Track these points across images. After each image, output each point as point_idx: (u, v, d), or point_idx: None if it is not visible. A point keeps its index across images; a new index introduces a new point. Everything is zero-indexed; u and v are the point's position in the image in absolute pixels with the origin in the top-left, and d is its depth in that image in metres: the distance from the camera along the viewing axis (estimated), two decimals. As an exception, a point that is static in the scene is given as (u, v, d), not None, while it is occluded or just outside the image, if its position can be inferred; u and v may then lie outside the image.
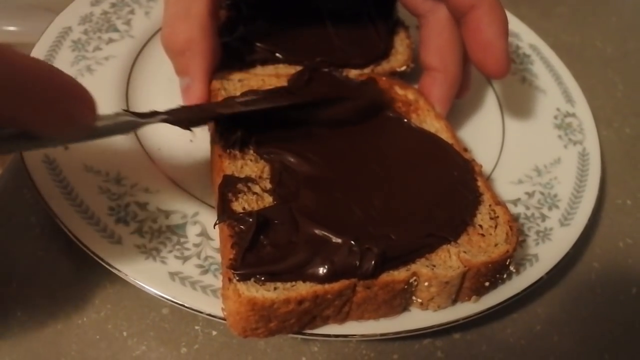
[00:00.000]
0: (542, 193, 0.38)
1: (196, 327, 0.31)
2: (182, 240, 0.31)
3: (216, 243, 0.31)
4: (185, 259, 0.30)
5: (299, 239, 0.27)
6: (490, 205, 0.32)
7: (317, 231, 0.27)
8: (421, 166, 0.33)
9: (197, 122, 0.31)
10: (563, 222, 0.36)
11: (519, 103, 0.44)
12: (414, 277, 0.28)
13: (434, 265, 0.28)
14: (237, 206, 0.28)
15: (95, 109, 0.24)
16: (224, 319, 0.28)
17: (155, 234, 0.31)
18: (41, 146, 0.24)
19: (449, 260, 0.28)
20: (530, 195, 0.37)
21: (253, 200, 0.29)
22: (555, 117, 0.43)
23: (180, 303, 0.28)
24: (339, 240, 0.27)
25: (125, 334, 0.30)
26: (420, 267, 0.28)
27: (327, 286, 0.26)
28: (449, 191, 0.32)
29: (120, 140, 0.35)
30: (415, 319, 0.30)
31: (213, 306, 0.28)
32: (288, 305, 0.25)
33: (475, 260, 0.28)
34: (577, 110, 0.44)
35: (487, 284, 0.30)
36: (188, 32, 0.34)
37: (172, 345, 0.30)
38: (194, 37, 0.34)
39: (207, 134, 0.38)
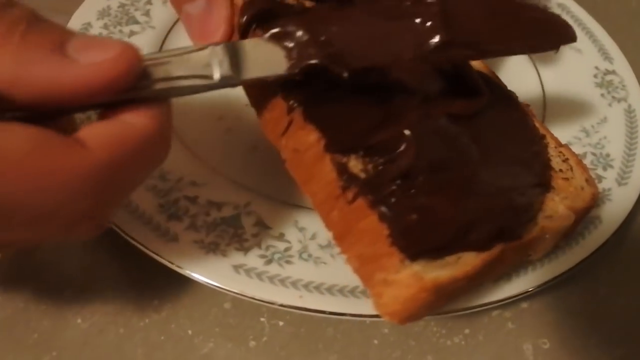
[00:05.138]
0: (593, 154, 0.37)
1: (262, 319, 0.30)
2: (239, 231, 0.30)
3: (275, 232, 0.30)
4: (246, 250, 0.29)
5: (448, 208, 0.24)
6: (555, 147, 0.31)
7: (461, 200, 0.25)
8: (489, 110, 0.30)
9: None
10: (620, 181, 0.35)
11: (555, 65, 0.43)
12: (542, 231, 0.27)
13: (551, 217, 0.27)
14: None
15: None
16: (295, 308, 0.27)
17: (211, 228, 0.30)
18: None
19: (559, 210, 0.28)
20: (582, 157, 0.36)
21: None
22: (595, 76, 0.42)
23: (250, 296, 0.27)
24: (490, 205, 0.25)
25: (190, 332, 0.30)
26: (543, 220, 0.27)
27: (491, 252, 0.24)
28: (524, 136, 0.30)
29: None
30: (484, 292, 0.30)
31: (284, 296, 0.27)
32: (465, 279, 0.24)
33: (577, 206, 0.28)
34: (616, 67, 0.43)
35: (578, 228, 0.30)
36: None
37: (239, 340, 0.29)
38: None
39: (241, 122, 0.37)
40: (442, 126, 0.26)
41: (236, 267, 0.28)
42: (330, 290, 0.28)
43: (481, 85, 0.31)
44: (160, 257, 0.28)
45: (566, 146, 0.31)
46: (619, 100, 0.40)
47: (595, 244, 0.32)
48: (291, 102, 0.25)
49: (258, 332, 0.30)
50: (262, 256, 0.29)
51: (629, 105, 0.40)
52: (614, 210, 0.33)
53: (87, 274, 0.31)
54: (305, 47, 0.24)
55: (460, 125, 0.27)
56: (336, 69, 0.24)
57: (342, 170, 0.24)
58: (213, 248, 0.29)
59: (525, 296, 0.31)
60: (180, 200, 0.31)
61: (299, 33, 0.25)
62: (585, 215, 0.30)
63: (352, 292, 0.28)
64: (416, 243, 0.23)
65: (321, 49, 0.24)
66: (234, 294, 0.28)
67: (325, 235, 0.30)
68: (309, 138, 0.25)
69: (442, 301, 0.25)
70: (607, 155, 0.37)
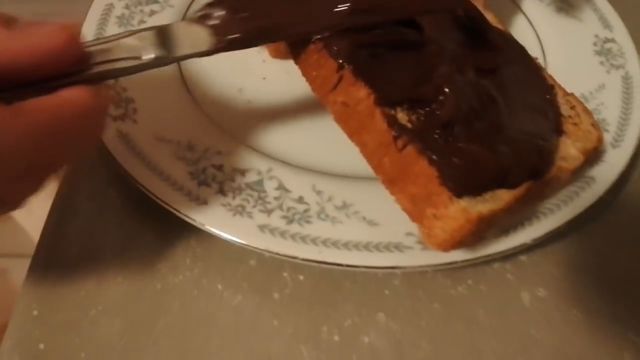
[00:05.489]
0: (591, 119, 0.39)
1: (284, 274, 0.33)
2: (262, 195, 0.33)
3: (294, 195, 0.33)
4: (269, 212, 0.32)
5: (485, 152, 0.28)
6: (563, 95, 0.34)
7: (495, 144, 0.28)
8: (507, 63, 0.33)
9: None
10: (614, 144, 0.37)
11: (556, 33, 0.44)
12: (558, 171, 0.30)
13: (565, 158, 0.31)
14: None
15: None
16: (315, 262, 0.30)
17: (237, 192, 0.33)
18: None
19: (571, 152, 0.31)
20: (579, 122, 0.39)
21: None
22: (595, 44, 0.44)
23: (275, 252, 0.30)
24: (521, 149, 0.28)
25: (220, 287, 0.33)
26: (559, 161, 0.31)
27: (520, 188, 0.28)
28: (538, 86, 0.33)
29: (183, 108, 0.37)
30: (486, 245, 0.32)
31: (305, 251, 0.30)
32: (500, 212, 0.27)
33: (587, 147, 0.31)
34: (616, 35, 0.44)
35: (574, 187, 0.33)
36: None
37: (265, 293, 0.33)
38: None
39: (260, 94, 0.39)
40: (472, 79, 0.30)
41: (261, 227, 0.31)
42: (346, 245, 0.31)
43: (500, 40, 0.34)
44: (193, 219, 0.31)
45: (572, 94, 0.35)
46: (617, 68, 0.42)
47: (590, 201, 0.34)
48: (340, 60, 0.29)
49: (282, 285, 0.33)
50: (284, 217, 0.32)
51: (627, 72, 0.42)
52: (608, 170, 0.36)
53: (125, 238, 0.34)
54: (227, 24, 0.28)
55: (485, 77, 0.31)
56: (257, 43, 0.28)
57: (392, 122, 0.27)
58: (240, 210, 0.32)
59: (524, 249, 0.34)
60: (208, 169, 0.34)
61: (222, 13, 0.28)
62: (593, 155, 0.33)
63: (366, 246, 0.31)
64: (463, 183, 0.27)
65: (242, 25, 0.28)
66: (260, 251, 0.31)
67: (340, 197, 0.33)
68: (360, 93, 0.28)
69: (480, 232, 0.29)
70: (604, 120, 0.39)
